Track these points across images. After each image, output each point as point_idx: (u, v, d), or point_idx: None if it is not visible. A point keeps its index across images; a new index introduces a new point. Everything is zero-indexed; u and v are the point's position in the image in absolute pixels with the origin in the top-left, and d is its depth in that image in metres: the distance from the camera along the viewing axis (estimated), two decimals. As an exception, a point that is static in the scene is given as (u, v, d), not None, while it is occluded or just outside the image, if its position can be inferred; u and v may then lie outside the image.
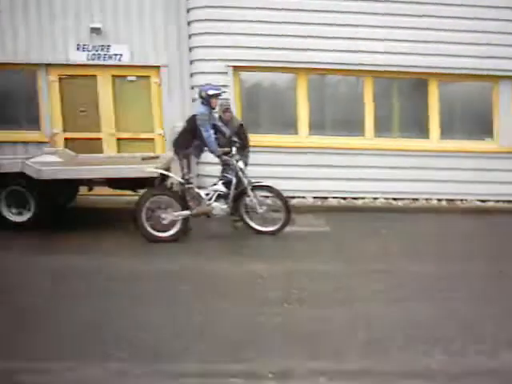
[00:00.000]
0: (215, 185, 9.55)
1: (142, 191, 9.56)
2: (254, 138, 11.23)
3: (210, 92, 9.30)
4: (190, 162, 9.41)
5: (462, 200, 12.31)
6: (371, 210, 9.31)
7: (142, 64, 12.09)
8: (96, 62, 12.01)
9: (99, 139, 12.18)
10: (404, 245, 9.13)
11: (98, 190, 10.59)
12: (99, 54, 11.98)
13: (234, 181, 9.39)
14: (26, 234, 9.29)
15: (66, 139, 12.18)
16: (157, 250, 8.69)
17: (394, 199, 12.13)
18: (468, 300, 6.72)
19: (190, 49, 12.01)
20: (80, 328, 5.78)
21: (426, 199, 12.21)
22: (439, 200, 12.27)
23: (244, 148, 10.03)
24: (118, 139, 12.23)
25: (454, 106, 12.64)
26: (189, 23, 11.94)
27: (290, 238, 9.36)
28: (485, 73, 12.08)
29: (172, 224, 9.27)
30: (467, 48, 11.92)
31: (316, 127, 12.15)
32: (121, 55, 12.02)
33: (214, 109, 9.42)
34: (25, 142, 12.10)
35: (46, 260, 8.08)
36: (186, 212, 9.29)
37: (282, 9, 11.63)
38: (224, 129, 9.57)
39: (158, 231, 9.24)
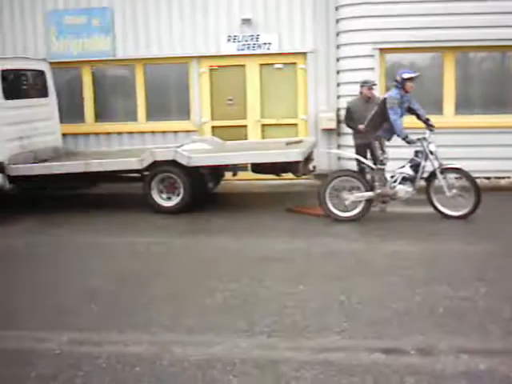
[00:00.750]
0: (403, 167, 9.50)
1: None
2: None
3: (405, 75, 9.22)
4: (382, 144, 9.41)
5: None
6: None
7: (289, 51, 12.45)
8: (245, 51, 12.51)
9: (245, 126, 12.73)
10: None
11: (241, 175, 11.15)
12: (249, 44, 12.49)
13: (423, 163, 9.32)
14: (177, 217, 9.95)
15: (213, 127, 12.84)
16: (298, 231, 8.98)
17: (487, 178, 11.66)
18: None
19: (337, 33, 12.21)
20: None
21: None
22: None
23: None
24: (263, 125, 12.71)
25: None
26: (336, 8, 12.15)
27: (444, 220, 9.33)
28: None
29: (355, 205, 9.46)
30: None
31: (462, 107, 11.91)
32: (270, 44, 12.46)
33: (407, 92, 9.32)
34: (175, 132, 12.88)
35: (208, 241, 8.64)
36: (368, 193, 9.36)
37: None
38: (421, 112, 9.50)
39: (341, 211, 9.50)
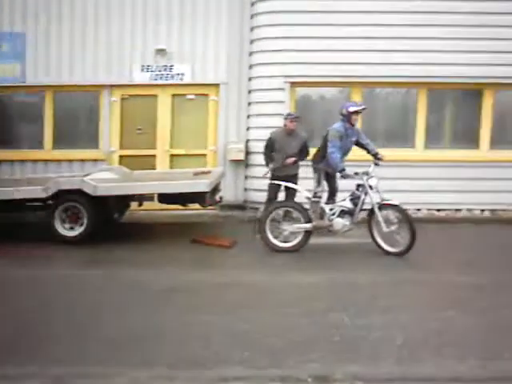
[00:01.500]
0: (344, 200, 9.52)
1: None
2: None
3: (351, 109, 9.36)
4: (320, 176, 9.54)
5: (504, 210, 12.24)
6: (415, 220, 9.41)
7: (202, 82, 12.55)
8: (158, 81, 12.52)
9: (153, 156, 12.67)
10: (444, 254, 9.32)
11: (147, 205, 10.99)
12: (162, 74, 12.51)
13: (362, 197, 9.30)
14: (78, 247, 9.70)
15: (121, 156, 12.69)
16: (207, 262, 9.03)
17: (438, 210, 12.19)
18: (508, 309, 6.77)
19: (250, 66, 12.42)
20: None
21: (469, 209, 12.18)
22: (482, 211, 12.24)
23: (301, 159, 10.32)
24: (172, 155, 12.69)
25: (506, 115, 12.60)
26: (251, 41, 12.37)
27: (338, 250, 9.55)
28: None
29: (294, 235, 9.52)
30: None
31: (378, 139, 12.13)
32: (183, 74, 12.52)
33: (353, 125, 9.46)
34: (82, 160, 12.65)
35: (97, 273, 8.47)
36: (306, 225, 9.42)
37: (336, 25, 11.87)
38: (370, 147, 9.62)
39: (281, 241, 9.55)
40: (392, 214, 9.12)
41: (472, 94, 12.48)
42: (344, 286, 7.75)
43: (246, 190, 12.49)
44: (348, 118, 9.34)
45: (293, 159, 10.13)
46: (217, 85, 12.56)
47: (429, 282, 7.87)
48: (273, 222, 9.57)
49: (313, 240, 9.56)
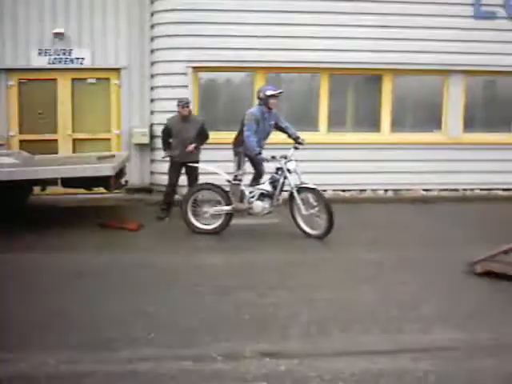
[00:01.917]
0: (264, 183, 9.53)
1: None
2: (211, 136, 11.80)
3: (268, 92, 9.28)
4: (240, 160, 9.45)
5: (407, 190, 12.73)
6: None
7: (103, 67, 12.32)
8: (57, 66, 12.18)
9: (55, 140, 12.37)
10: (352, 233, 9.53)
11: (51, 189, 10.71)
12: (61, 58, 12.19)
13: (281, 180, 9.31)
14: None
15: (21, 141, 12.29)
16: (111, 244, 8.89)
17: (343, 191, 12.51)
18: (410, 284, 7.06)
19: (152, 51, 12.28)
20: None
21: (374, 190, 12.61)
22: (386, 191, 12.71)
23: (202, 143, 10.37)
24: (75, 140, 12.43)
25: (405, 99, 13.06)
26: (152, 26, 12.22)
27: (254, 231, 9.68)
28: (436, 67, 12.49)
29: (215, 218, 9.50)
30: (420, 44, 12.33)
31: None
32: (82, 59, 12.23)
33: (270, 109, 9.35)
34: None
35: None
36: (226, 207, 9.46)
37: (239, 10, 11.92)
38: (290, 130, 9.56)
39: (203, 224, 9.54)
40: (311, 197, 9.19)
41: (372, 79, 12.84)
42: (256, 265, 7.85)
43: (151, 173, 12.39)
44: (265, 101, 9.29)
45: (193, 146, 10.14)
46: (118, 69, 12.37)
47: (337, 260, 8.09)
48: (194, 204, 9.57)
49: (234, 221, 9.65)
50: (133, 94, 12.43)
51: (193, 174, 10.30)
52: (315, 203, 9.16)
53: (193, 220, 9.59)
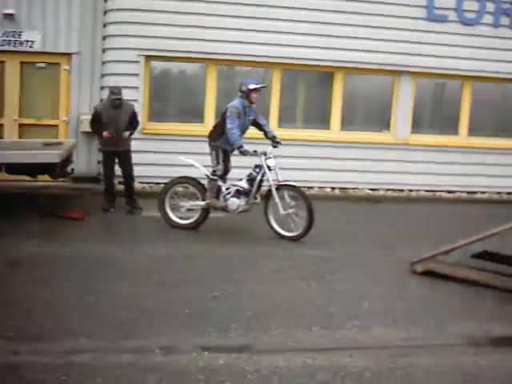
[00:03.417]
0: (240, 180, 9.24)
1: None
2: (161, 127, 11.83)
3: (251, 86, 9.02)
4: (218, 155, 9.17)
5: (354, 189, 12.87)
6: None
7: (53, 51, 12.03)
8: (6, 48, 11.85)
9: (1, 125, 12.05)
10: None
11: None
12: (9, 41, 11.90)
13: (258, 178, 9.04)
14: None
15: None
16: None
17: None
18: (352, 281, 7.18)
19: (104, 37, 12.08)
20: None
21: (321, 187, 12.65)
22: (333, 188, 12.80)
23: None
24: (21, 125, 12.13)
25: (356, 98, 13.18)
26: (104, 12, 12.01)
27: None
28: (387, 68, 12.62)
29: (191, 212, 9.31)
30: (372, 44, 12.42)
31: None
32: (32, 42, 11.95)
33: (252, 103, 9.11)
34: None
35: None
36: (201, 203, 9.26)
37: (191, 0, 11.82)
38: (267, 128, 9.36)
39: (179, 218, 9.36)
40: (289, 196, 8.95)
41: (324, 76, 12.89)
42: (200, 258, 7.85)
43: (99, 162, 12.03)
44: (247, 95, 9.04)
45: (128, 132, 10.05)
46: (69, 54, 12.09)
47: (281, 255, 8.11)
48: (172, 197, 9.41)
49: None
50: (83, 81, 12.16)
51: (127, 163, 10.16)
52: (292, 202, 8.93)
53: (170, 214, 9.41)
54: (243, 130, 9.23)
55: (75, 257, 7.65)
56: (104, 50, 12.11)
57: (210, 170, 9.28)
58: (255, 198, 9.20)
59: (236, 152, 9.05)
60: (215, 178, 9.18)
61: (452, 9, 12.80)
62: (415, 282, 7.26)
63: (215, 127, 9.37)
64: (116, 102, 9.95)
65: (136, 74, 11.89)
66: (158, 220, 9.42)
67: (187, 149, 11.53)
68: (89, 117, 11.73)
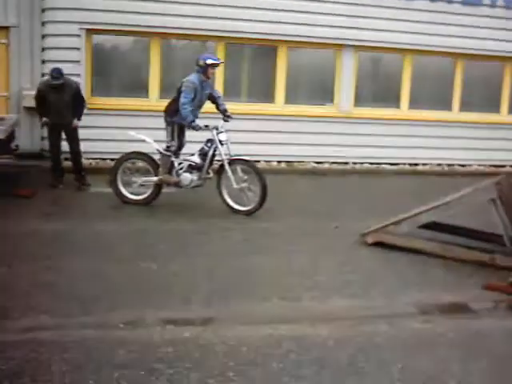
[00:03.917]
0: (192, 155, 9.12)
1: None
2: (106, 102, 11.72)
3: (209, 61, 8.94)
4: (173, 130, 9.04)
5: (300, 162, 12.99)
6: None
7: (-11, 24, 11.76)
8: None
9: None
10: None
11: None
12: None
13: (211, 153, 8.96)
14: None
15: None
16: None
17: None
18: (306, 253, 7.31)
19: (43, 10, 11.76)
20: None
21: (267, 161, 12.67)
22: (279, 162, 12.91)
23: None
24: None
25: (300, 72, 13.22)
26: (43, -16, 11.73)
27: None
28: (329, 41, 12.73)
29: (144, 188, 9.17)
30: (314, 17, 12.49)
31: (167, 91, 12.29)
32: (-33, 14, 11.63)
33: (208, 78, 9.10)
34: None
35: None
36: (153, 178, 9.13)
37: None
38: (220, 102, 9.25)
39: (131, 193, 9.20)
40: (240, 170, 8.94)
41: (268, 50, 12.90)
42: (154, 234, 7.84)
43: (42, 138, 11.82)
44: (205, 70, 8.96)
45: (77, 122, 9.94)
46: (6, 28, 11.75)
47: (233, 229, 8.17)
48: (125, 172, 9.26)
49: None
50: (22, 55, 11.83)
51: (73, 138, 10.00)
52: (245, 176, 8.90)
53: (122, 189, 9.26)
54: (200, 105, 9.19)
55: (28, 234, 7.51)
56: (43, 23, 11.81)
57: (164, 145, 9.18)
58: (208, 173, 9.14)
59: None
60: (168, 153, 9.10)
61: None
62: (367, 252, 7.47)
63: (171, 102, 9.25)
64: (57, 85, 9.72)
65: (77, 48, 11.64)
66: (108, 196, 9.31)
67: (132, 123, 11.51)
68: (31, 92, 11.53)
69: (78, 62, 11.60)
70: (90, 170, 10.84)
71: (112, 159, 11.43)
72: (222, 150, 8.97)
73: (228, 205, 9.07)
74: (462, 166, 13.94)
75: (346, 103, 13.22)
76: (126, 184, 9.31)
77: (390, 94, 13.76)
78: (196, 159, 9.13)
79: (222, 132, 8.99)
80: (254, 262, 6.95)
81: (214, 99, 9.38)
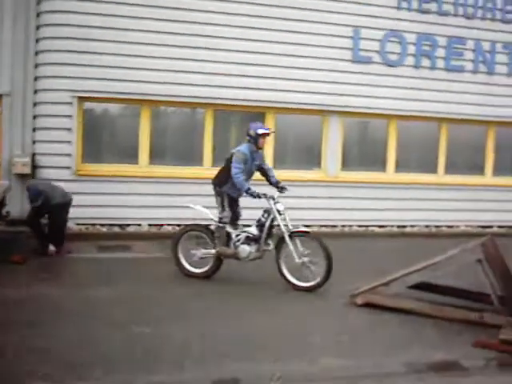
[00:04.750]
0: (250, 226, 8.90)
1: None
2: (96, 168, 11.85)
3: (260, 131, 8.84)
4: (223, 200, 8.92)
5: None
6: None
7: (-17, 92, 11.96)
8: None
9: None
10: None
11: None
12: None
13: (268, 223, 8.72)
14: None
15: None
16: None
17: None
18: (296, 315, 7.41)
19: (36, 78, 12.01)
20: None
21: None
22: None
23: None
24: None
25: (287, 137, 13.47)
26: (36, 53, 11.94)
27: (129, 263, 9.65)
28: (315, 107, 13.06)
29: (204, 261, 9.05)
30: (299, 84, 12.84)
31: (157, 157, 12.49)
32: (-38, 83, 11.83)
33: (260, 148, 9.02)
34: None
35: None
36: (211, 251, 8.96)
37: (121, 41, 11.89)
38: (271, 173, 9.20)
39: (193, 266, 9.09)
40: (299, 244, 8.60)
41: (256, 116, 13.00)
42: (143, 299, 7.83)
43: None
44: (255, 140, 8.88)
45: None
46: (0, 95, 12.08)
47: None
48: (185, 245, 9.11)
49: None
50: (14, 122, 12.02)
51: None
52: (306, 251, 8.54)
53: (184, 262, 9.13)
54: (249, 176, 9.06)
55: (21, 300, 7.52)
56: (36, 91, 12.04)
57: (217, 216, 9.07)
58: (268, 245, 8.87)
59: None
60: (222, 225, 8.94)
61: (376, 51, 13.39)
62: (356, 313, 7.51)
63: (220, 172, 9.15)
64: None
65: (69, 116, 11.82)
66: (98, 261, 9.35)
67: (122, 190, 11.66)
68: (22, 159, 11.65)
69: (69, 129, 11.75)
70: (80, 235, 10.96)
71: (102, 225, 11.59)
72: (280, 220, 8.74)
73: (287, 279, 8.69)
74: (450, 227, 14.13)
75: (333, 167, 13.43)
76: (187, 256, 9.13)
77: (377, 157, 13.98)
78: (253, 230, 8.87)
79: (278, 202, 8.79)
80: (242, 324, 6.97)
81: (264, 171, 9.30)
